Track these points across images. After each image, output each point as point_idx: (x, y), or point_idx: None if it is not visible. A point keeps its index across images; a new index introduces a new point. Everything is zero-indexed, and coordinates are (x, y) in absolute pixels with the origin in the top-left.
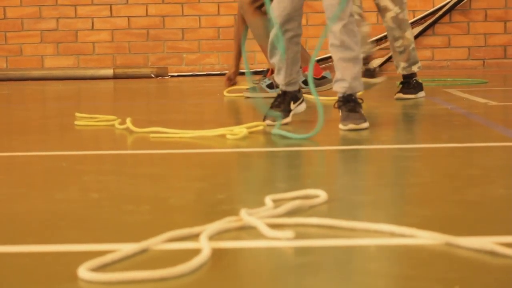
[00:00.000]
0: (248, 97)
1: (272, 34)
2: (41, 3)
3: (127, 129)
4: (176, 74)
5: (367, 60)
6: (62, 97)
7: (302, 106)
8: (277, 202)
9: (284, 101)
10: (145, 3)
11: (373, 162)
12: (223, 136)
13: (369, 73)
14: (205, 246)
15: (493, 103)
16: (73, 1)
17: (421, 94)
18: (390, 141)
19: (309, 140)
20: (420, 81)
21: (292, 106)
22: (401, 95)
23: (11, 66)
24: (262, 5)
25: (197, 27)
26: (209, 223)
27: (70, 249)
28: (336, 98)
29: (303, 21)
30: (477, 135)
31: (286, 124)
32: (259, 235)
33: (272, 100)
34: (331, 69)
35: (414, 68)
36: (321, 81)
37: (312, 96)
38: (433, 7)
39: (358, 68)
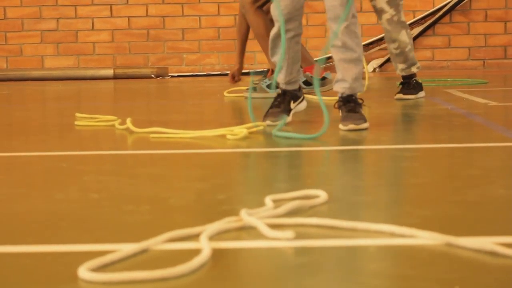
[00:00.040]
0: (247, 98)
1: (272, 33)
2: (41, 4)
3: (127, 129)
4: (176, 74)
5: None
6: (62, 97)
7: (303, 105)
8: (277, 202)
9: (284, 100)
10: (145, 3)
11: (373, 162)
12: (223, 136)
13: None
14: (205, 246)
15: (493, 103)
16: (73, 1)
17: (421, 94)
18: (390, 142)
19: (309, 140)
20: (420, 81)
21: (292, 105)
22: (401, 95)
23: (11, 66)
24: (263, 4)
25: (197, 27)
26: (209, 223)
27: (70, 249)
28: (337, 98)
29: (303, 21)
30: (477, 136)
31: (286, 123)
32: (259, 235)
33: (272, 100)
34: (332, 69)
35: (413, 69)
36: (321, 81)
37: (313, 96)
38: (433, 7)
39: (359, 69)
